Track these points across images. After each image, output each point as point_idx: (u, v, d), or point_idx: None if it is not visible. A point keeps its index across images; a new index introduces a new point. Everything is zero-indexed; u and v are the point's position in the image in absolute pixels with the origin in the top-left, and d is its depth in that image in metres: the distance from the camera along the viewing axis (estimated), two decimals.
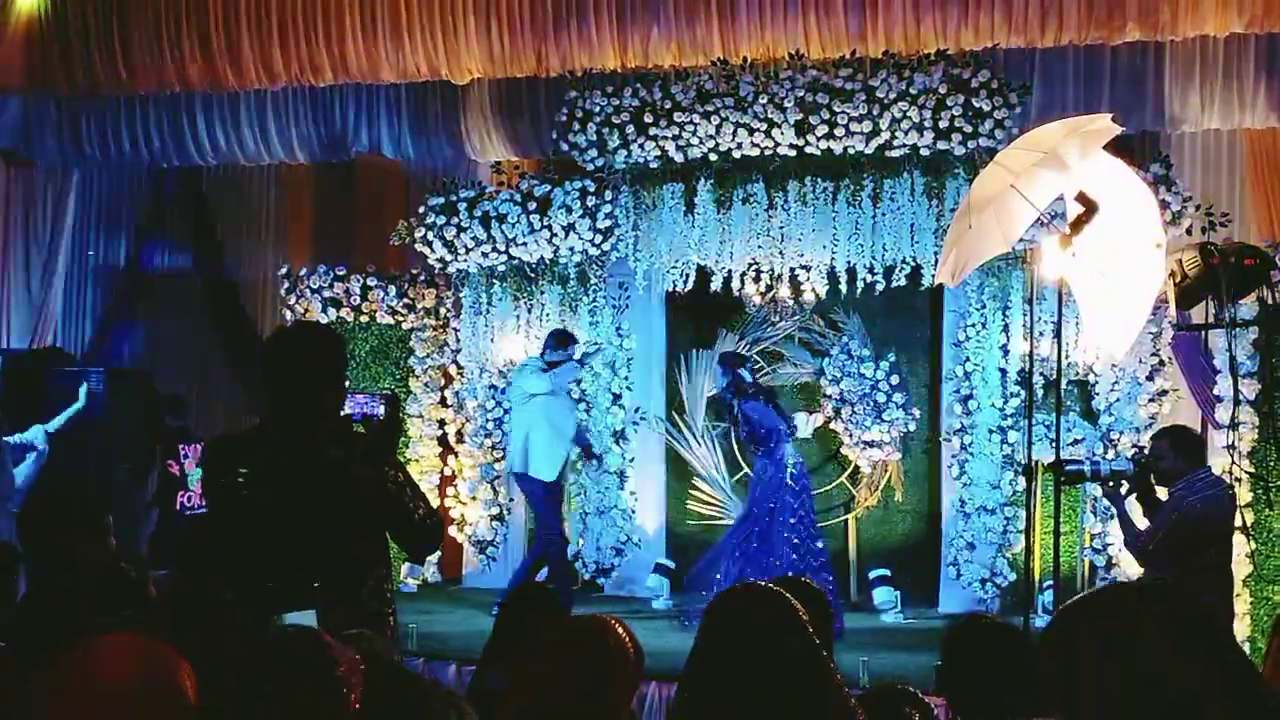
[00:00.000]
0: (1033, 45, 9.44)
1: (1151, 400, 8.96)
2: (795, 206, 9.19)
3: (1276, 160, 9.72)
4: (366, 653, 3.28)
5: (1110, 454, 8.65)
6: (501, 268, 10.08)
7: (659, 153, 9.33)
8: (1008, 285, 9.15)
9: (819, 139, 8.98)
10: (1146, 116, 9.59)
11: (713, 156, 9.25)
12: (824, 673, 2.82)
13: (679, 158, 9.33)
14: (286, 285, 10.82)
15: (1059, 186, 5.78)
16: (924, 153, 8.97)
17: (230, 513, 3.88)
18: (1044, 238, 6.00)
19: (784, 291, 9.82)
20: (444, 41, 10.15)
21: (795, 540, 8.49)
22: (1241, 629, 7.96)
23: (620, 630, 3.31)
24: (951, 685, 3.57)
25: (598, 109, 9.47)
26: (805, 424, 10.09)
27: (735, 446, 10.10)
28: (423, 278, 10.61)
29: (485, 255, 9.97)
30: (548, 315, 10.05)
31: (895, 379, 9.86)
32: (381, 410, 4.02)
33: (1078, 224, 5.71)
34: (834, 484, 10.03)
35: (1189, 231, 8.68)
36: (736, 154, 9.19)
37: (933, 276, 8.82)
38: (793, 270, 9.38)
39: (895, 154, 9.00)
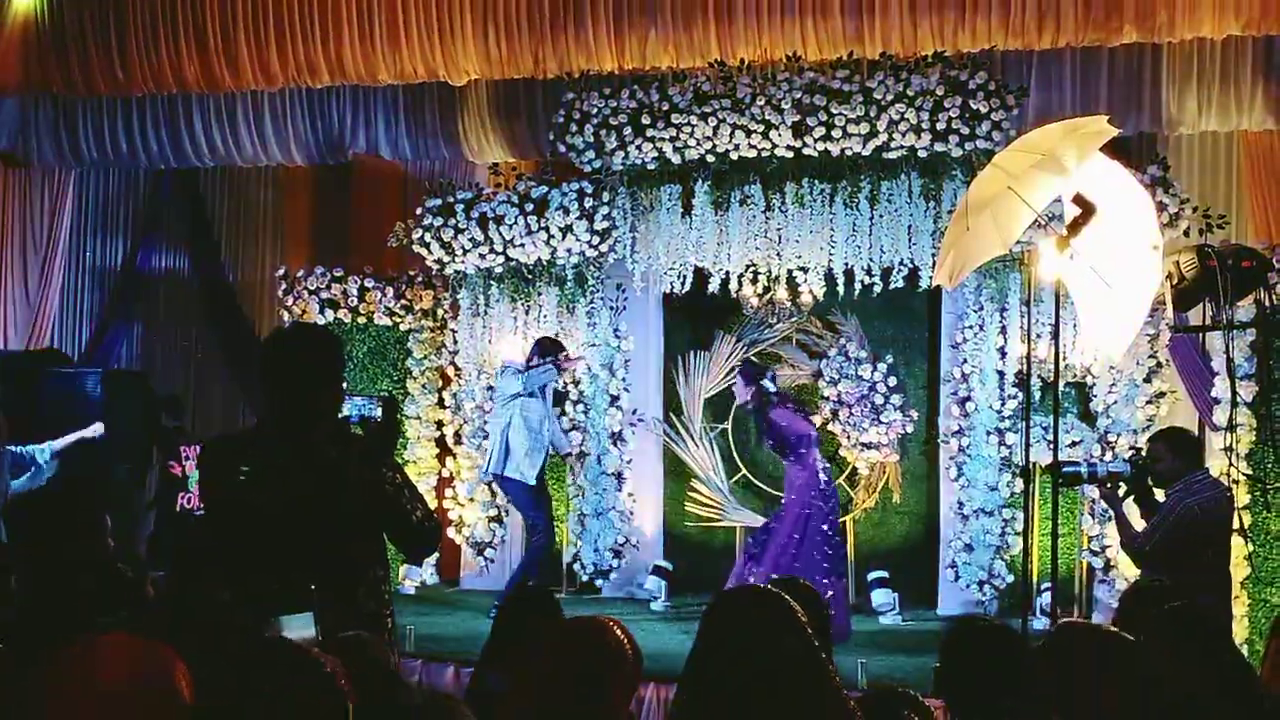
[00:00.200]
0: (1030, 47, 9.44)
1: (1149, 402, 8.96)
2: (793, 208, 9.19)
3: (1273, 162, 9.72)
4: (363, 654, 3.28)
5: (1108, 456, 8.65)
6: (499, 269, 10.07)
7: (656, 154, 9.34)
8: (1005, 287, 9.15)
9: (816, 140, 8.99)
10: (1144, 118, 9.60)
11: (710, 158, 9.25)
12: (822, 674, 2.82)
13: (676, 159, 9.33)
14: (284, 286, 10.81)
15: (1056, 188, 5.78)
16: (921, 154, 8.97)
17: (227, 513, 3.89)
18: (1041, 240, 6.01)
19: (781, 293, 9.81)
20: (441, 43, 10.15)
21: (828, 550, 8.52)
22: (1239, 631, 7.97)
23: (618, 632, 3.31)
24: (950, 687, 3.57)
25: (595, 110, 9.47)
26: None
27: (736, 451, 10.11)
28: (420, 279, 10.61)
29: (483, 257, 9.97)
30: (545, 317, 10.05)
31: (893, 381, 9.86)
32: (379, 412, 4.02)
33: (1075, 226, 5.72)
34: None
35: (1186, 233, 8.68)
36: (734, 155, 9.19)
37: (930, 278, 8.83)
38: (790, 272, 9.38)
39: (892, 156, 9.00)
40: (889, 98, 8.86)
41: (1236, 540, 6.45)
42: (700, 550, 10.32)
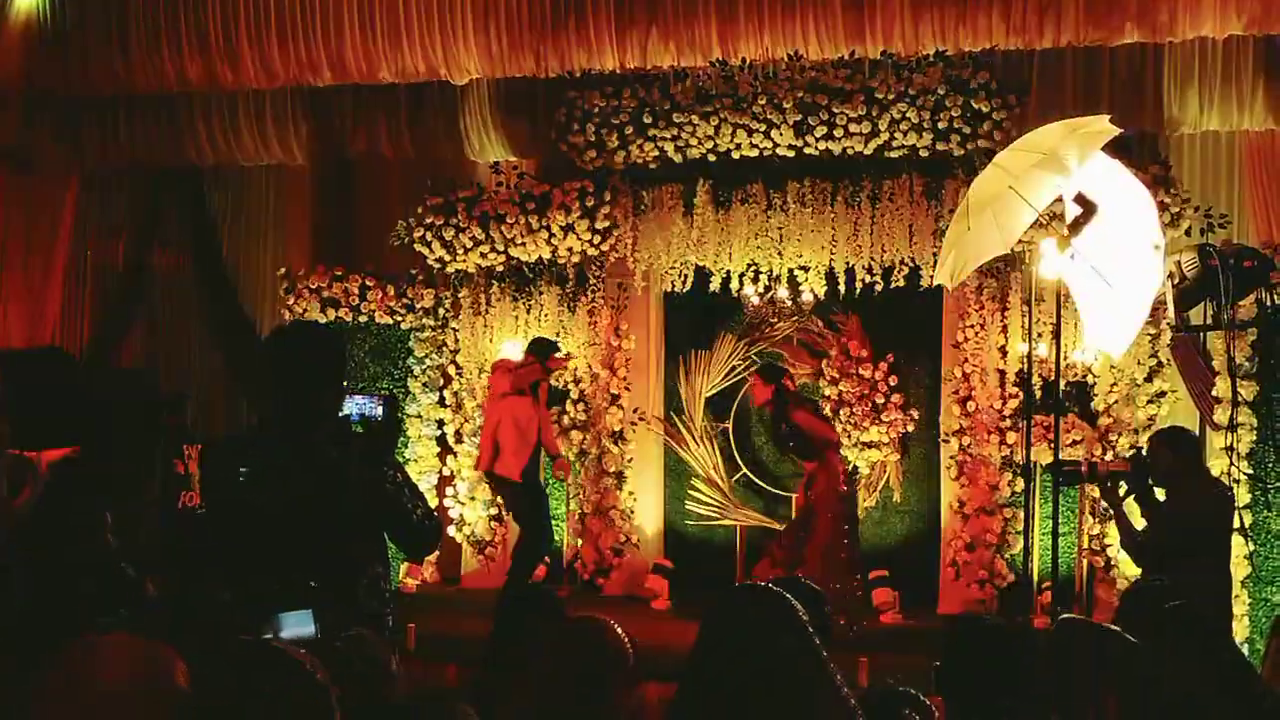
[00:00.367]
0: (1031, 47, 9.43)
1: (1150, 402, 8.96)
2: (794, 207, 9.20)
3: (1275, 162, 9.71)
4: (364, 653, 3.29)
5: (1108, 455, 8.66)
6: (500, 268, 10.08)
7: (657, 153, 9.34)
8: (1006, 286, 9.15)
9: (818, 140, 9.00)
10: (1145, 118, 9.58)
11: (711, 157, 9.26)
12: (822, 672, 2.82)
13: (678, 158, 9.34)
14: (285, 285, 10.82)
15: (1058, 188, 5.79)
16: (923, 154, 8.99)
17: (228, 513, 3.89)
18: (1043, 239, 6.00)
19: (783, 292, 9.81)
20: (442, 42, 10.14)
21: (855, 552, 8.52)
22: (1240, 630, 7.97)
23: (618, 630, 3.31)
24: (950, 686, 3.57)
25: (596, 109, 9.48)
26: None
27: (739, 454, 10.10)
28: (421, 278, 10.61)
29: (484, 255, 9.98)
30: (546, 316, 10.06)
31: (894, 380, 9.86)
32: (380, 410, 4.03)
33: (1076, 225, 5.73)
34: None
35: (1187, 233, 8.68)
36: (735, 155, 9.20)
37: (931, 277, 8.83)
38: (791, 271, 9.40)
39: (894, 155, 9.01)
40: (890, 97, 8.87)
41: (1237, 539, 6.45)
42: (701, 549, 10.32)
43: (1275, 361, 8.21)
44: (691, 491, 10.28)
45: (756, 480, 10.30)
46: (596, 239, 9.70)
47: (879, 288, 9.17)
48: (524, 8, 9.98)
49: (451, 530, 10.26)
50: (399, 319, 10.65)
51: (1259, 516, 8.21)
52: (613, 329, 10.02)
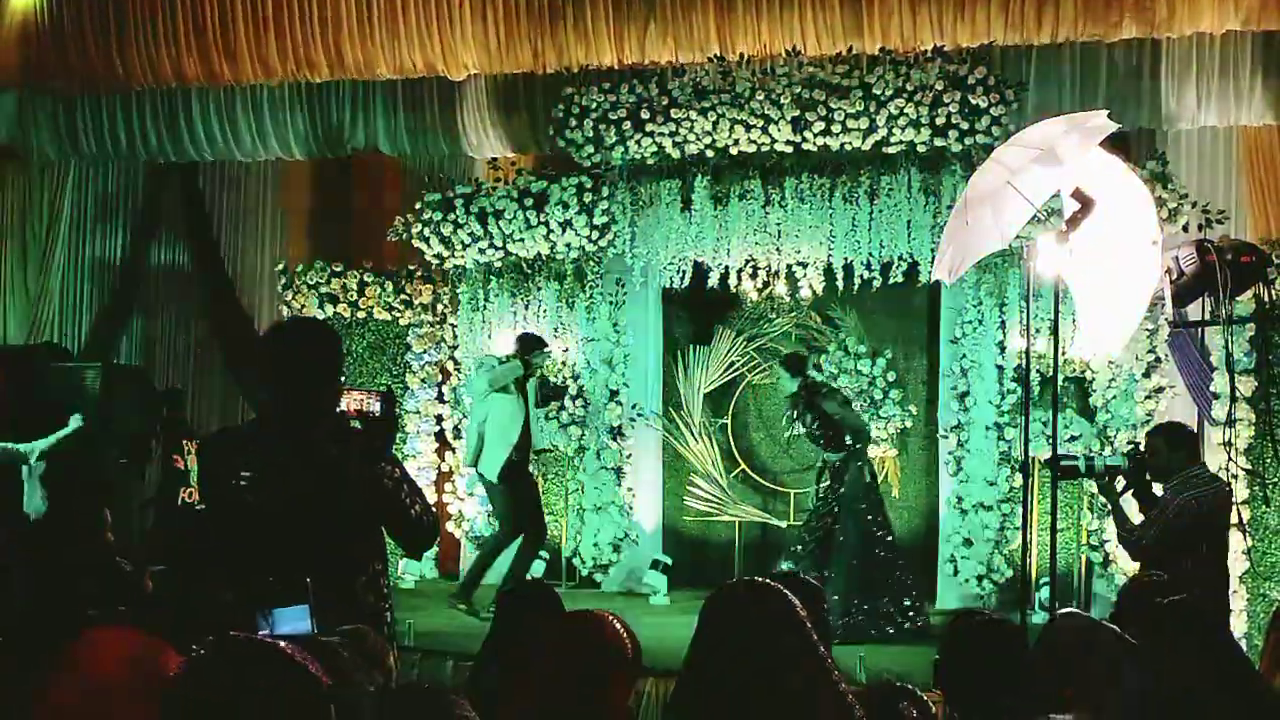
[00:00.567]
0: (1029, 42, 9.43)
1: (1148, 397, 8.97)
2: (792, 203, 9.19)
3: (1273, 157, 9.72)
4: (362, 648, 3.28)
5: (1106, 450, 8.66)
6: (498, 264, 10.08)
7: (656, 149, 9.33)
8: (1005, 282, 9.15)
9: (816, 135, 8.99)
10: (1143, 114, 9.59)
11: (710, 153, 9.26)
12: (821, 669, 2.82)
13: (676, 154, 9.33)
14: (283, 281, 10.81)
15: (1055, 183, 5.79)
16: (921, 149, 8.98)
17: (228, 513, 3.88)
18: (1041, 234, 6.00)
19: (781, 288, 9.82)
20: (440, 37, 10.13)
21: (894, 547, 8.50)
22: (1239, 625, 7.98)
23: (618, 625, 3.31)
24: (949, 680, 3.58)
25: (594, 105, 9.46)
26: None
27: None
28: (420, 274, 10.61)
29: (482, 251, 9.98)
30: (545, 311, 10.06)
31: (892, 375, 9.87)
32: (378, 407, 4.02)
33: (1074, 221, 5.72)
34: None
35: (1185, 229, 8.68)
36: (733, 150, 9.19)
37: (929, 273, 8.82)
38: (789, 267, 9.39)
39: (892, 151, 9.00)
40: (888, 93, 8.86)
41: (1234, 535, 6.46)
42: (700, 544, 10.34)
43: (1273, 357, 8.22)
44: (690, 487, 10.29)
45: (755, 476, 10.31)
46: (595, 234, 9.70)
47: (877, 283, 9.16)
48: (522, 3, 9.96)
49: (450, 526, 10.27)
50: (397, 315, 10.65)
51: (1257, 512, 8.23)
52: (611, 324, 10.02)
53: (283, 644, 2.08)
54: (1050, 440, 6.52)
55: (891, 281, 9.16)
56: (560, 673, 3.22)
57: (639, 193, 9.57)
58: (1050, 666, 3.43)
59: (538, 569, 9.78)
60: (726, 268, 9.49)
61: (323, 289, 10.57)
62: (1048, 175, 5.70)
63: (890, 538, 8.49)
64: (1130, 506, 6.25)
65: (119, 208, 12.57)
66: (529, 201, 9.74)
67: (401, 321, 10.68)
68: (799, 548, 8.53)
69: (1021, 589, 7.57)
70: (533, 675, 3.31)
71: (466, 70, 10.39)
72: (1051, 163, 5.63)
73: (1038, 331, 8.73)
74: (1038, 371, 8.94)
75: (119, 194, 12.56)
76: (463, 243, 9.97)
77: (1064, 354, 8.75)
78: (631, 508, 10.00)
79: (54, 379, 10.66)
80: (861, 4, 9.39)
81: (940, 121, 8.82)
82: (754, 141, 9.10)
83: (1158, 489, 6.14)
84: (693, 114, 9.16)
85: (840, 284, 9.34)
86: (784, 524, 10.07)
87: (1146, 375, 8.97)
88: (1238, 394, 7.91)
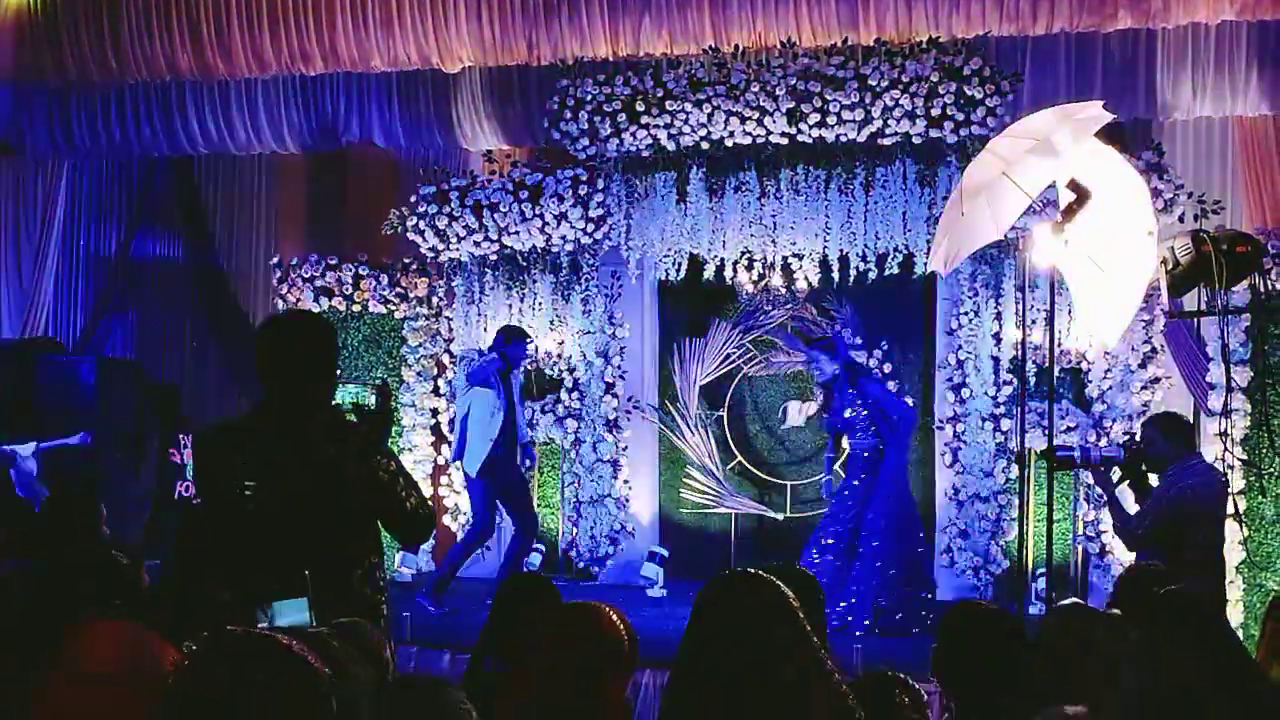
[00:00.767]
0: (1024, 33, 9.42)
1: (1144, 388, 8.98)
2: (787, 195, 9.19)
3: (1268, 147, 9.71)
4: (359, 641, 3.28)
5: (1102, 441, 8.66)
6: (494, 256, 10.07)
7: (651, 141, 9.32)
8: (1000, 273, 9.16)
9: (811, 127, 8.98)
10: (1138, 104, 9.59)
11: (705, 145, 9.25)
12: (815, 660, 2.82)
13: (671, 146, 9.32)
14: (278, 274, 10.80)
15: (1051, 174, 5.79)
16: (916, 141, 8.97)
17: (226, 511, 3.88)
18: (1036, 225, 6.00)
19: (777, 280, 9.81)
20: (435, 29, 10.11)
21: (921, 536, 8.49)
22: (1235, 616, 7.99)
23: (614, 617, 3.31)
24: (946, 671, 3.58)
25: (589, 97, 9.45)
26: (798, 412, 10.13)
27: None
28: (415, 267, 10.60)
29: (477, 244, 9.97)
30: (540, 304, 10.06)
31: (888, 367, 9.88)
32: (373, 400, 4.02)
33: (1070, 211, 5.72)
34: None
35: (1181, 219, 8.69)
36: (729, 142, 9.18)
37: (925, 264, 8.82)
38: (785, 259, 9.39)
39: (887, 142, 8.99)
40: (883, 84, 8.85)
41: (1230, 525, 6.46)
42: (696, 536, 10.34)
43: (1269, 347, 8.23)
44: (686, 479, 10.29)
45: (751, 468, 10.31)
46: (590, 227, 9.70)
47: (873, 275, 9.16)
48: None
49: (446, 519, 10.27)
50: (392, 308, 10.64)
51: (1253, 502, 8.24)
52: (607, 317, 10.02)
53: (282, 637, 2.07)
54: (1046, 431, 6.52)
55: (887, 273, 9.16)
56: (558, 665, 3.22)
57: (634, 185, 9.56)
58: (1049, 667, 3.43)
59: (534, 561, 9.80)
60: (722, 260, 9.48)
61: (317, 282, 10.55)
62: (1043, 166, 5.70)
63: (922, 532, 8.49)
64: (1126, 497, 6.25)
65: (113, 202, 12.56)
66: (524, 194, 9.73)
67: (397, 315, 10.68)
68: (828, 540, 8.35)
69: (1018, 580, 7.58)
70: (530, 667, 3.31)
71: (461, 63, 10.38)
72: (1047, 154, 5.63)
73: (1033, 322, 8.74)
74: (1034, 362, 8.95)
75: (113, 188, 12.55)
76: (458, 235, 9.96)
77: (1060, 344, 8.75)
78: (628, 500, 10.01)
79: (50, 374, 10.65)
80: None
81: (935, 113, 8.82)
82: (749, 133, 9.09)
83: (1153, 479, 6.15)
84: (688, 106, 9.15)
85: (836, 276, 9.34)
86: (780, 516, 10.08)
87: (1142, 366, 8.98)
88: (1233, 384, 7.91)
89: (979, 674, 3.45)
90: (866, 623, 7.98)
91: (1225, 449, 7.25)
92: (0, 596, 4.55)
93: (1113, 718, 3.18)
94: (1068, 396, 9.25)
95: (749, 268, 9.62)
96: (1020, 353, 7.46)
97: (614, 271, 9.97)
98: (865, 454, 8.31)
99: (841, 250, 9.18)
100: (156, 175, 12.44)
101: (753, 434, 10.44)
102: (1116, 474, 6.20)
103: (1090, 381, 9.20)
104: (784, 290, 9.97)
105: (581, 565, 10.02)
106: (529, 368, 10.26)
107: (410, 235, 10.15)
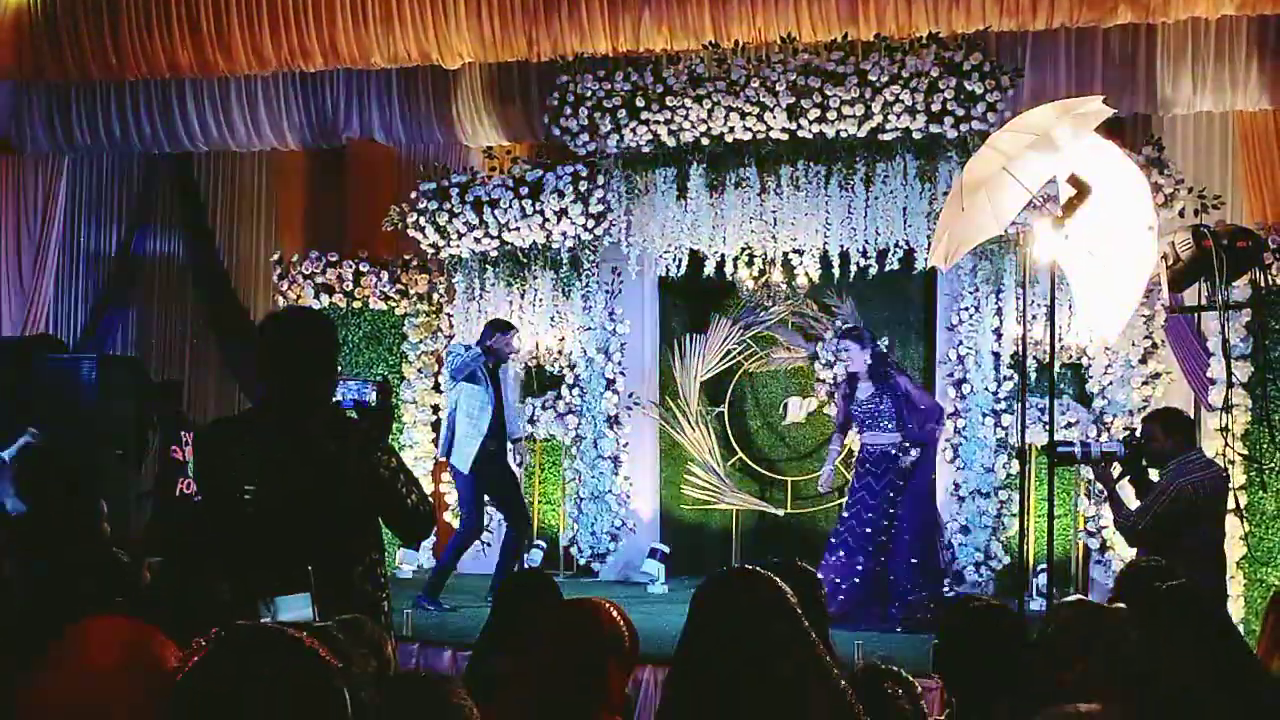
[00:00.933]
0: (1024, 28, 9.40)
1: (1145, 383, 8.97)
2: (788, 190, 9.18)
3: (1269, 142, 9.69)
4: (361, 637, 3.28)
5: (1103, 437, 8.66)
6: (494, 253, 10.07)
7: (651, 137, 9.32)
8: (1001, 268, 9.15)
9: (811, 122, 8.97)
10: (1138, 99, 9.57)
11: (705, 140, 9.24)
12: (812, 656, 2.81)
13: (671, 142, 9.31)
14: (279, 271, 10.81)
15: (1051, 169, 5.78)
16: (916, 136, 8.96)
17: (226, 508, 3.88)
18: (1036, 220, 6.00)
19: (777, 276, 9.80)
20: (434, 26, 10.10)
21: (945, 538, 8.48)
22: (1236, 611, 7.99)
23: (615, 613, 3.32)
24: (947, 666, 3.58)
25: (589, 93, 9.44)
26: (799, 409, 10.11)
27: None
28: (415, 263, 10.60)
29: (478, 240, 9.96)
30: (540, 300, 10.06)
31: None
32: (374, 396, 4.02)
33: (1070, 206, 5.72)
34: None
35: (1181, 214, 8.68)
36: (729, 138, 9.17)
37: (925, 260, 8.82)
38: (785, 254, 9.38)
39: (887, 137, 8.98)
40: (884, 79, 8.83)
41: (1231, 520, 6.47)
42: (697, 533, 10.34)
43: (1269, 342, 8.22)
44: (687, 476, 10.29)
45: (752, 464, 10.31)
46: (590, 223, 9.69)
47: (873, 270, 9.15)
48: None
49: (447, 516, 10.27)
50: (393, 304, 10.64)
51: (1254, 497, 8.23)
52: (607, 313, 10.02)
53: (291, 629, 2.05)
54: (1047, 427, 6.52)
55: (887, 268, 9.14)
56: (558, 661, 3.23)
57: (634, 181, 9.56)
58: (1049, 667, 3.43)
59: (535, 558, 9.81)
60: (722, 255, 9.47)
61: (318, 279, 10.55)
62: (1043, 161, 5.70)
63: (940, 539, 8.49)
64: (1127, 492, 6.25)
65: (113, 199, 12.56)
66: (524, 190, 9.72)
67: (397, 311, 10.68)
68: (850, 539, 8.26)
69: (1019, 575, 7.58)
70: (531, 663, 3.31)
71: (461, 59, 10.37)
72: (1047, 148, 5.63)
73: (1034, 318, 8.73)
74: (1034, 358, 8.94)
75: (113, 185, 12.54)
76: (458, 232, 9.96)
77: (1061, 340, 8.75)
78: (629, 496, 10.01)
79: (49, 371, 10.64)
80: None
81: (936, 108, 8.81)
82: (749, 129, 9.08)
83: (1154, 475, 6.15)
84: (688, 101, 9.14)
85: (836, 271, 9.33)
86: (781, 512, 10.08)
87: (1143, 361, 8.98)
88: (1234, 379, 7.90)
89: (979, 672, 3.45)
90: (904, 619, 7.95)
91: (1226, 444, 7.26)
92: (0, 596, 4.55)
93: (1117, 714, 3.18)
94: (1068, 392, 9.25)
95: (749, 263, 9.62)
96: (1021, 348, 7.45)
97: (614, 267, 9.98)
98: (890, 450, 8.22)
99: (842, 246, 9.16)
100: (156, 172, 12.43)
101: (753, 430, 10.43)
102: (1117, 469, 6.21)
103: (1091, 377, 9.19)
104: (784, 286, 9.96)
105: (582, 561, 10.02)
106: (529, 364, 10.27)
107: (410, 232, 10.15)
